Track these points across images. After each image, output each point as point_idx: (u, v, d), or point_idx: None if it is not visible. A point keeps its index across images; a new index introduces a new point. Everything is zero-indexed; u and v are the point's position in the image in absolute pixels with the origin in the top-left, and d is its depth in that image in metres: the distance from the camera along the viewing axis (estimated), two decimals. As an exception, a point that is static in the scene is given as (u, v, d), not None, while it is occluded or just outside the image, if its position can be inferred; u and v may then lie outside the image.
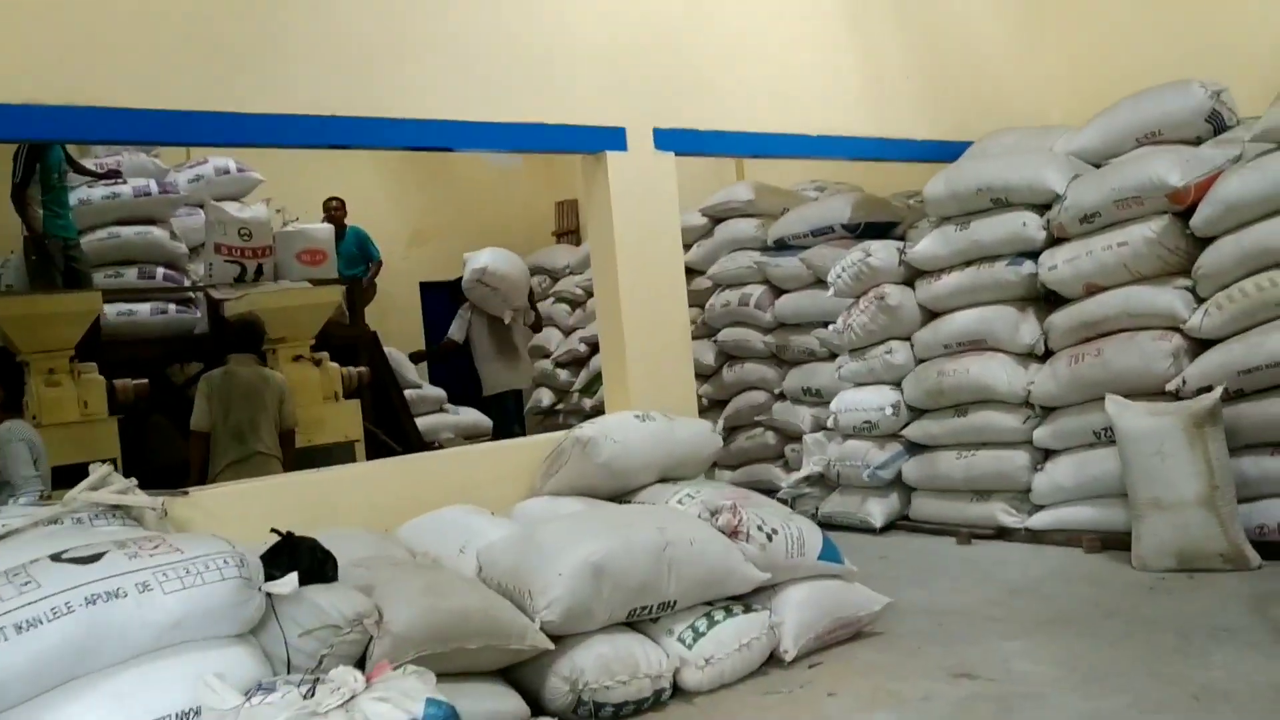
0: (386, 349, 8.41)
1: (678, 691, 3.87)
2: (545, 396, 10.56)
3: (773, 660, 4.10)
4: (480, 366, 8.79)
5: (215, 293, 7.21)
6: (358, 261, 9.01)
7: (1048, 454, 5.86)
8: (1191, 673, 3.63)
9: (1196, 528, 4.83)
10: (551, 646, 3.59)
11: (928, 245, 6.36)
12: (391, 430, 8.01)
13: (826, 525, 6.73)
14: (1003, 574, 5.26)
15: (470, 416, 8.68)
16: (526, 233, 11.67)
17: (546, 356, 10.48)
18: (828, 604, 4.27)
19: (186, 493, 4.21)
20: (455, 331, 8.65)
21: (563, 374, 10.16)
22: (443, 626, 3.37)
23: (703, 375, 8.60)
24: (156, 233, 7.73)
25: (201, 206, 7.90)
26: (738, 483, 8.25)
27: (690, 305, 8.76)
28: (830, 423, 6.80)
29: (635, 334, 5.46)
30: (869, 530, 6.47)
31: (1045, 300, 5.98)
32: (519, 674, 3.72)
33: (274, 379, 5.99)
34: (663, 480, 5.00)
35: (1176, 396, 5.19)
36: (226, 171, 8.43)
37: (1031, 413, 5.88)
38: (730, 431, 8.42)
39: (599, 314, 5.64)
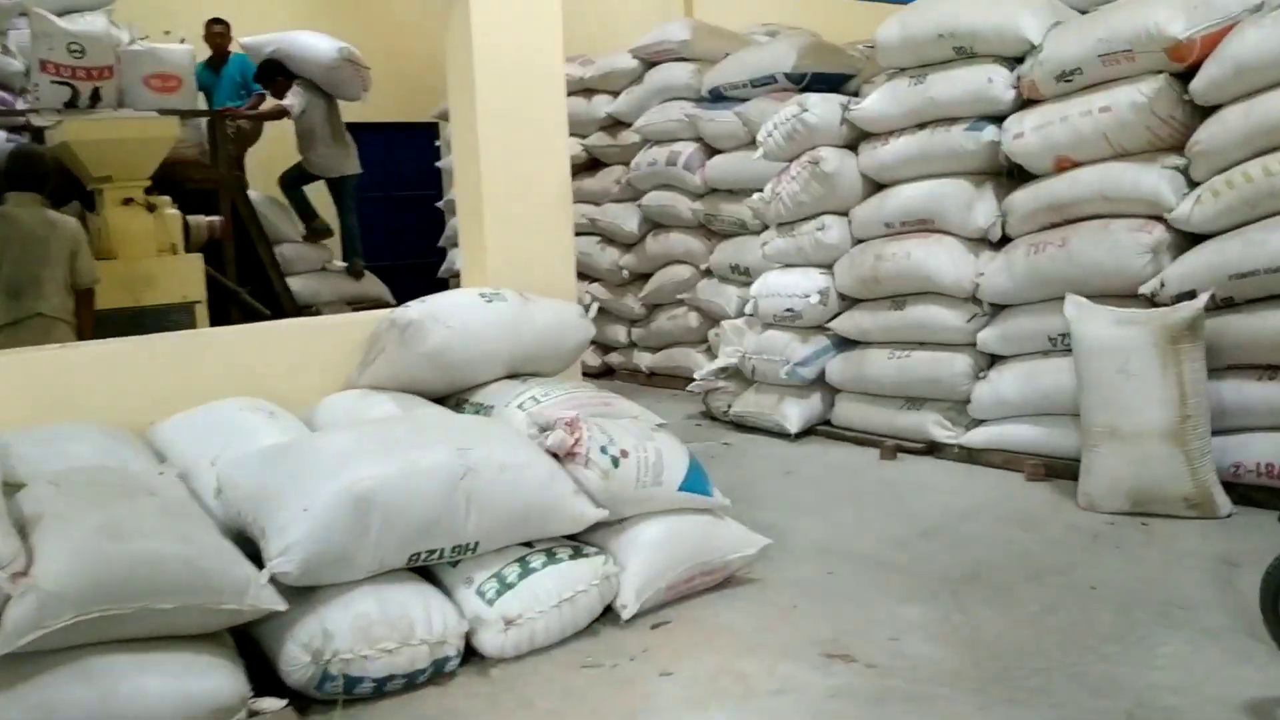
0: (264, 198, 7.35)
1: (474, 659, 3.00)
2: (457, 259, 9.52)
3: (609, 616, 3.24)
4: (315, 149, 7.72)
5: (36, 119, 6.10)
6: (241, 94, 7.86)
7: (993, 360, 4.93)
8: (1128, 674, 2.77)
9: (1158, 464, 3.95)
10: (281, 608, 2.70)
11: (875, 102, 5.29)
12: (258, 291, 7.02)
13: (738, 426, 5.91)
14: (922, 503, 4.39)
15: (360, 282, 7.68)
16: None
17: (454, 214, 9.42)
18: (687, 546, 3.39)
19: None
20: (292, 103, 7.47)
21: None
22: (117, 580, 2.46)
23: (625, 245, 7.60)
24: (-18, 44, 6.58)
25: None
26: (657, 367, 7.38)
27: (616, 163, 7.81)
28: (749, 308, 5.84)
29: (497, 190, 4.43)
30: (783, 435, 5.58)
31: (1007, 175, 4.96)
32: (259, 633, 2.84)
33: (64, 225, 4.91)
34: (512, 376, 4.05)
35: (1151, 302, 4.24)
36: (80, -21, 7.19)
37: (979, 310, 4.93)
38: (652, 310, 7.48)
39: (455, 163, 4.60)
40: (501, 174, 4.42)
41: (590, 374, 7.93)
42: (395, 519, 2.85)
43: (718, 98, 6.80)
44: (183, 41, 6.86)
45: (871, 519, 4.22)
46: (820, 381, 5.58)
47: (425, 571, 3.07)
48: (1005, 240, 4.90)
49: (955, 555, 3.73)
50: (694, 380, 6.16)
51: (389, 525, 2.85)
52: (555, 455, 3.27)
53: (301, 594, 2.80)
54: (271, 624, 2.78)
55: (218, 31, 7.87)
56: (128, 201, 5.74)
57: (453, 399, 4.02)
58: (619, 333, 7.73)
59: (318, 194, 8.25)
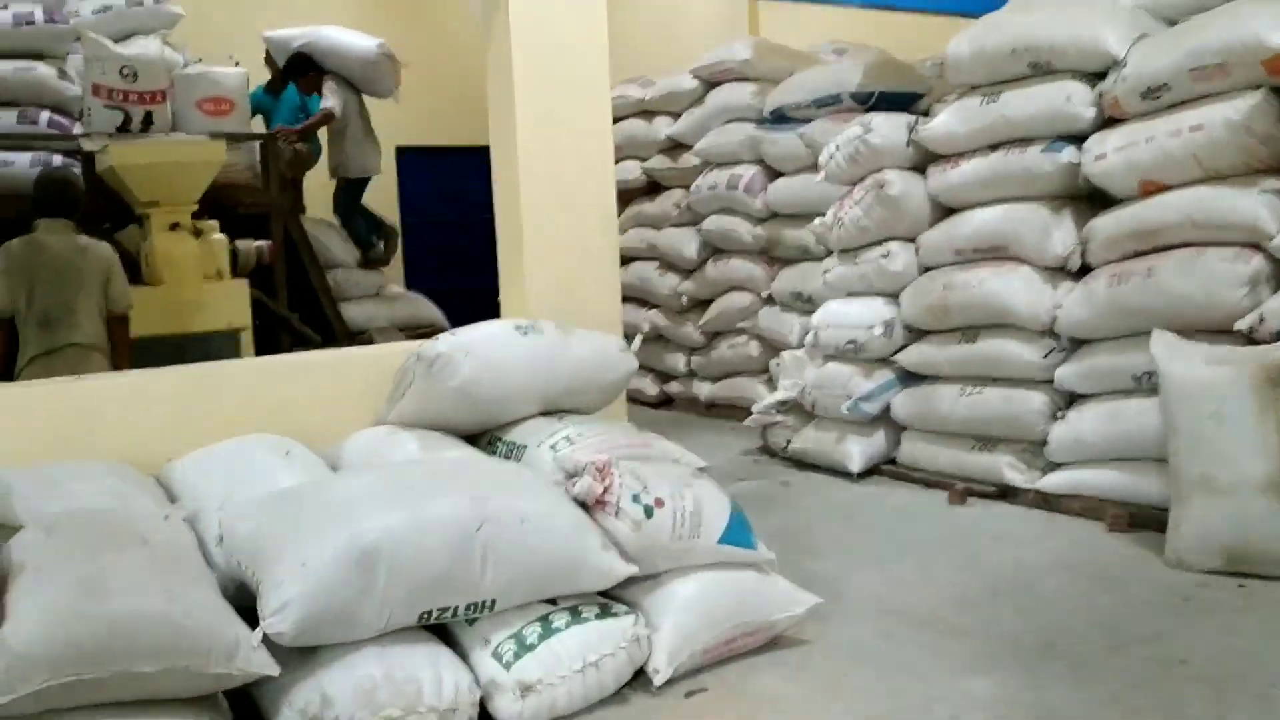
0: (318, 221, 7.24)
1: (488, 727, 2.75)
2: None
3: (640, 682, 2.96)
4: (349, 148, 7.45)
5: (86, 143, 6.06)
6: (299, 118, 7.78)
7: (1072, 399, 4.56)
8: (1225, 772, 2.43)
9: (1257, 519, 3.55)
10: (273, 672, 2.48)
11: (945, 121, 4.96)
12: (310, 317, 6.90)
13: (797, 463, 5.60)
14: (993, 555, 4.04)
15: (413, 305, 7.51)
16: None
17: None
18: (727, 604, 3.10)
19: None
20: (335, 104, 7.26)
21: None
22: (93, 642, 2.27)
23: (685, 270, 7.35)
24: (41, 70, 6.52)
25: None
26: (716, 397, 7.10)
27: (676, 186, 7.57)
28: (810, 339, 5.53)
29: (537, 215, 4.21)
30: (845, 475, 5.25)
31: (1087, 200, 4.60)
32: (257, 695, 2.63)
33: (96, 251, 4.74)
34: (548, 413, 3.81)
35: (1248, 339, 3.85)
36: (140, 2, 7.17)
37: (1056, 344, 4.57)
38: (711, 338, 7.20)
39: (495, 187, 4.38)
40: (542, 197, 4.20)
41: (648, 403, 7.70)
42: (403, 574, 2.62)
43: (780, 119, 6.52)
44: (237, 64, 6.80)
45: (936, 572, 3.88)
46: (885, 418, 5.25)
47: (440, 629, 2.83)
48: (1085, 270, 4.53)
49: (1028, 619, 3.38)
50: (750, 414, 5.86)
51: (396, 581, 2.62)
52: (583, 504, 3.02)
53: (300, 653, 2.58)
54: (268, 686, 2.56)
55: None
56: (174, 226, 5.64)
57: (485, 437, 3.79)
58: (678, 361, 7.47)
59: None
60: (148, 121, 6.20)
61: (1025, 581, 3.73)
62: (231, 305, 5.75)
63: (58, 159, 6.41)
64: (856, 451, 5.22)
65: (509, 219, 4.28)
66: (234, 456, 3.33)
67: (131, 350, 4.80)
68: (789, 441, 5.64)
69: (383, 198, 10.22)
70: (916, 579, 3.82)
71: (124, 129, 6.15)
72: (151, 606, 2.36)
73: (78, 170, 6.20)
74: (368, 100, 7.87)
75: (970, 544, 4.19)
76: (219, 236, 5.87)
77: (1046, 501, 4.56)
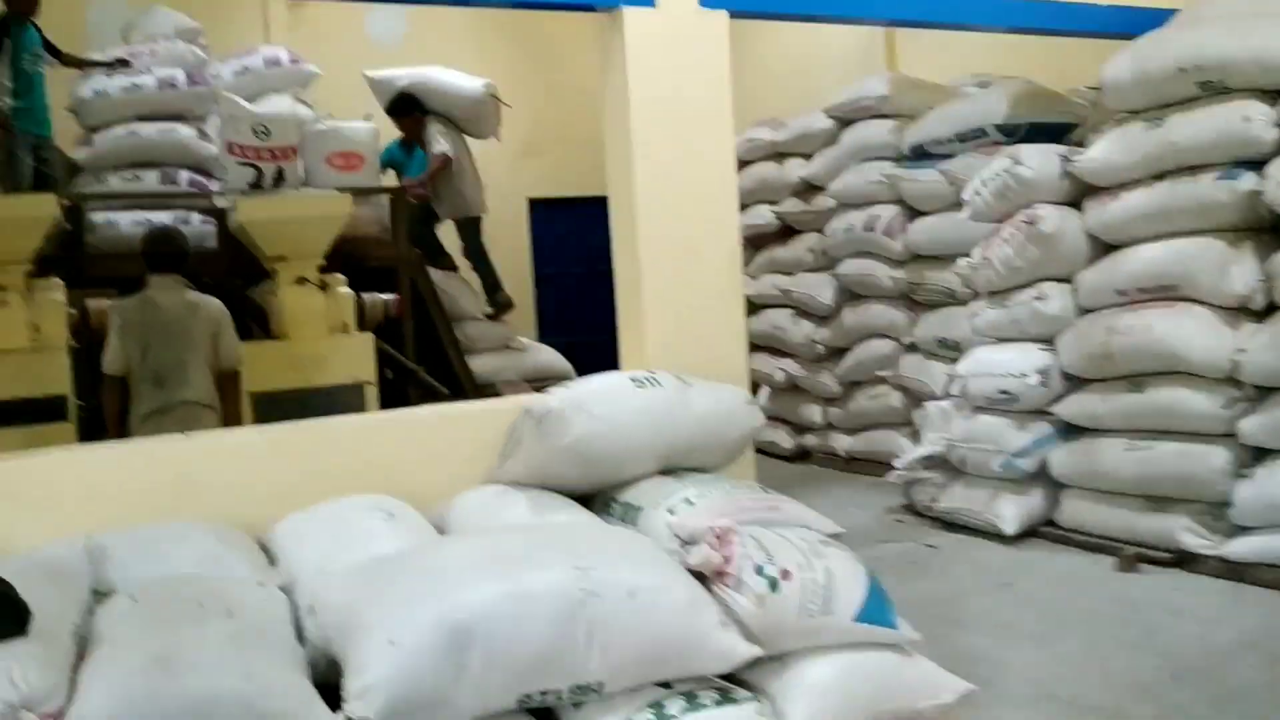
0: (447, 274, 7.17)
1: (595, 825, 2.47)
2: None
3: (765, 775, 2.64)
4: (465, 189, 7.17)
5: (219, 200, 6.15)
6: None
7: (1259, 454, 4.05)
8: None
9: None
10: (351, 763, 2.26)
11: (1103, 150, 4.55)
12: (437, 370, 6.81)
13: (945, 524, 5.17)
14: (1172, 632, 3.56)
15: (541, 356, 7.37)
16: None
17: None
18: (864, 691, 2.75)
19: (-37, 466, 3.09)
20: (448, 147, 7.09)
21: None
22: (163, 724, 2.09)
23: (821, 317, 7.01)
24: (182, 131, 6.69)
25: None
26: (856, 451, 6.71)
27: (810, 230, 7.26)
28: (957, 389, 5.13)
29: (657, 262, 3.97)
30: (998, 537, 4.81)
31: (1272, 231, 4.12)
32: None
33: (206, 307, 4.67)
34: (667, 472, 3.54)
35: None
36: (277, 63, 7.33)
37: (1239, 393, 4.07)
38: (850, 388, 6.83)
39: (613, 234, 4.17)
40: (661, 244, 3.97)
41: (782, 457, 7.35)
42: (500, 654, 2.38)
43: (920, 155, 6.17)
44: (368, 120, 6.84)
45: (1106, 652, 3.43)
46: (1042, 475, 4.80)
47: (543, 713, 2.58)
48: (1272, 309, 4.04)
49: (1218, 711, 2.92)
50: (894, 469, 5.47)
51: (492, 662, 2.37)
52: (700, 575, 2.73)
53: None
54: (353, 774, 2.35)
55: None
56: (301, 281, 5.64)
57: (600, 498, 3.54)
58: (814, 413, 7.11)
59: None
60: (279, 177, 6.25)
61: (1213, 665, 3.26)
62: (356, 359, 5.69)
63: (196, 217, 6.55)
64: (1011, 512, 4.77)
65: (627, 268, 4.06)
66: (336, 519, 3.17)
67: (240, 406, 4.73)
68: (935, 500, 5.23)
69: (514, 249, 10.26)
70: (1083, 659, 3.39)
71: (256, 185, 6.21)
72: (227, 686, 2.17)
73: (214, 228, 6.32)
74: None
75: (1144, 618, 3.72)
76: (345, 290, 5.84)
77: (1232, 570, 4.04)
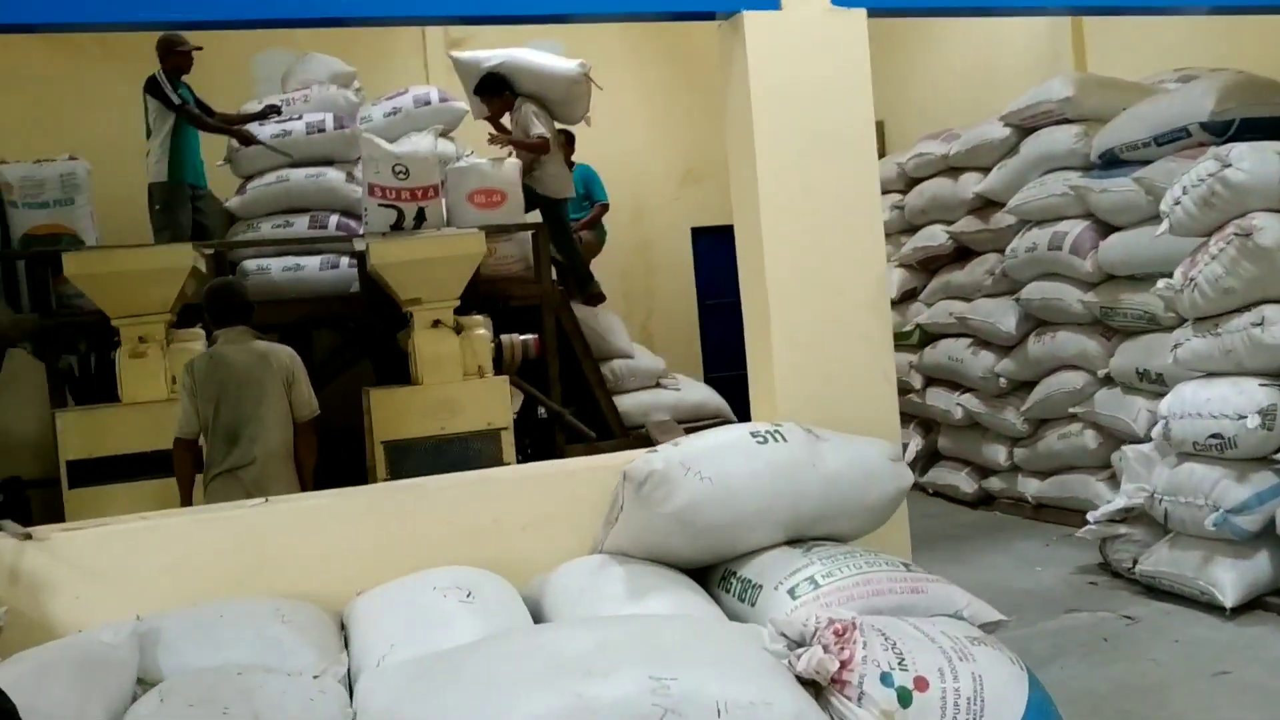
0: (598, 312, 6.85)
1: None
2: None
3: None
4: (551, 169, 6.64)
5: (358, 244, 6.03)
6: (582, 206, 7.52)
7: None
8: None
9: None
10: None
11: (1335, 145, 3.78)
12: (583, 411, 6.50)
13: (1147, 589, 4.43)
14: None
15: (696, 394, 6.93)
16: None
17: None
18: (1025, 834, 2.19)
19: (29, 534, 2.91)
20: (544, 129, 6.60)
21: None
22: None
23: (1003, 347, 6.31)
24: (330, 175, 6.65)
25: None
26: (1045, 497, 5.98)
27: (989, 250, 6.57)
28: (1159, 431, 4.40)
29: (788, 301, 3.48)
30: (1214, 609, 4.05)
31: None
32: None
33: (277, 355, 4.38)
34: (796, 542, 3.04)
35: None
36: (427, 103, 7.22)
37: None
38: (1038, 426, 6.10)
39: (740, 263, 3.71)
40: (792, 276, 3.48)
41: (963, 502, 6.67)
42: (554, 785, 1.97)
43: (1111, 163, 5.43)
44: (511, 155, 6.63)
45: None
46: (1268, 535, 4.01)
47: None
48: None
49: None
50: (1087, 523, 4.75)
51: (545, 796, 1.96)
52: (814, 684, 2.24)
53: None
54: None
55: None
56: (435, 324, 5.43)
57: (719, 570, 3.08)
58: (998, 454, 6.39)
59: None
60: (420, 218, 6.10)
61: None
62: (491, 404, 5.42)
63: (345, 261, 6.49)
64: (1228, 579, 4.01)
65: (754, 304, 3.59)
66: (410, 597, 2.83)
67: (314, 459, 4.47)
68: (1136, 561, 4.49)
69: (678, 279, 9.91)
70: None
71: (397, 227, 6.07)
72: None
73: (355, 270, 6.23)
74: None
75: None
76: (482, 333, 5.60)
77: None
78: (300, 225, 6.67)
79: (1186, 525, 4.18)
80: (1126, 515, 4.57)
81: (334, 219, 6.68)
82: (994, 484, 6.49)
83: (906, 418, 7.35)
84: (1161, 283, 4.40)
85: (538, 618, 2.95)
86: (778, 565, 2.93)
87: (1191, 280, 4.20)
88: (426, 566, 3.07)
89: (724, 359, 9.94)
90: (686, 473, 2.94)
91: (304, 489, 4.35)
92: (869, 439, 3.23)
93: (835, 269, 3.54)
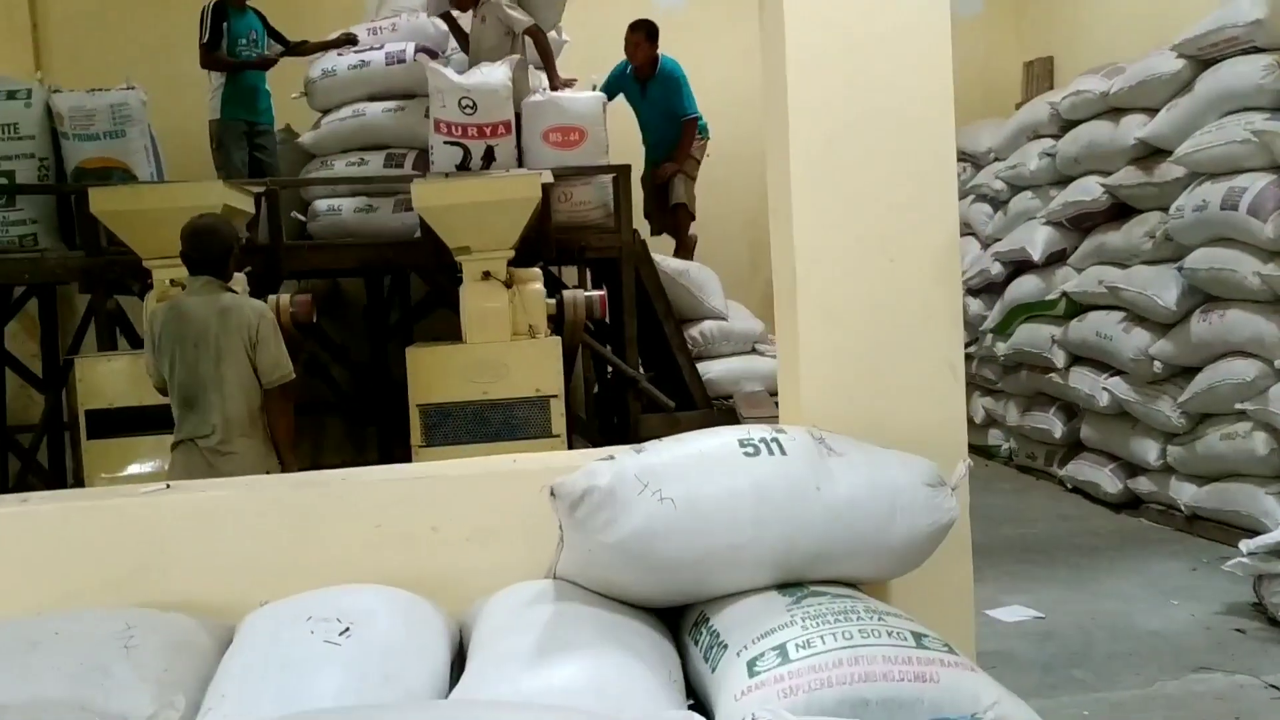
0: (689, 266, 6.15)
1: None
2: (954, 335, 7.64)
3: None
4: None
5: (415, 184, 5.50)
6: (669, 122, 6.57)
7: None
8: None
9: None
10: None
11: None
12: (663, 378, 5.85)
13: (1310, 648, 3.48)
14: None
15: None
16: (983, 101, 8.56)
17: (958, 278, 7.55)
18: None
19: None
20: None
21: (973, 304, 7.18)
22: None
23: (1161, 325, 5.29)
24: (409, 109, 6.16)
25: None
26: (1201, 507, 5.00)
27: (1153, 208, 5.51)
28: (1336, 450, 3.42)
29: (820, 270, 2.72)
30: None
31: None
32: None
33: (239, 312, 3.82)
34: (789, 586, 2.33)
35: None
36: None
37: None
38: (1198, 422, 5.08)
39: (771, 225, 2.96)
40: (829, 238, 2.72)
41: (1106, 504, 5.70)
42: None
43: (1309, 102, 4.36)
44: (594, 88, 5.96)
45: None
46: None
47: None
48: None
49: None
50: (1241, 553, 3.81)
51: None
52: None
53: None
54: None
55: (635, 41, 6.50)
56: (485, 276, 4.86)
57: (695, 611, 2.40)
58: (1148, 450, 5.38)
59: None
60: (489, 158, 5.55)
61: None
62: (541, 368, 4.83)
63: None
64: None
65: (782, 269, 2.85)
66: (275, 628, 2.26)
67: (290, 435, 3.96)
68: (1296, 609, 3.55)
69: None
70: None
71: (464, 166, 5.54)
72: None
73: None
74: None
75: None
76: (536, 287, 4.99)
77: None
78: (376, 163, 6.21)
79: (1365, 575, 3.22)
80: (1289, 550, 3.62)
81: (412, 157, 6.19)
82: (1142, 485, 5.50)
83: (1047, 400, 6.40)
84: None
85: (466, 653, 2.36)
86: (754, 618, 2.22)
87: (1395, 255, 3.19)
88: (347, 579, 2.50)
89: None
90: (642, 490, 2.25)
91: (283, 466, 3.89)
92: (905, 456, 2.45)
93: (889, 225, 2.73)
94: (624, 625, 2.29)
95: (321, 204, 6.10)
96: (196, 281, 3.91)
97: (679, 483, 2.27)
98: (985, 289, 7.06)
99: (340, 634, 2.20)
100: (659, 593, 2.35)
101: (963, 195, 7.61)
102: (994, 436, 7.09)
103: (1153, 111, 5.41)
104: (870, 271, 2.74)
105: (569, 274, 6.88)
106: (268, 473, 3.79)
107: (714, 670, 2.18)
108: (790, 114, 2.69)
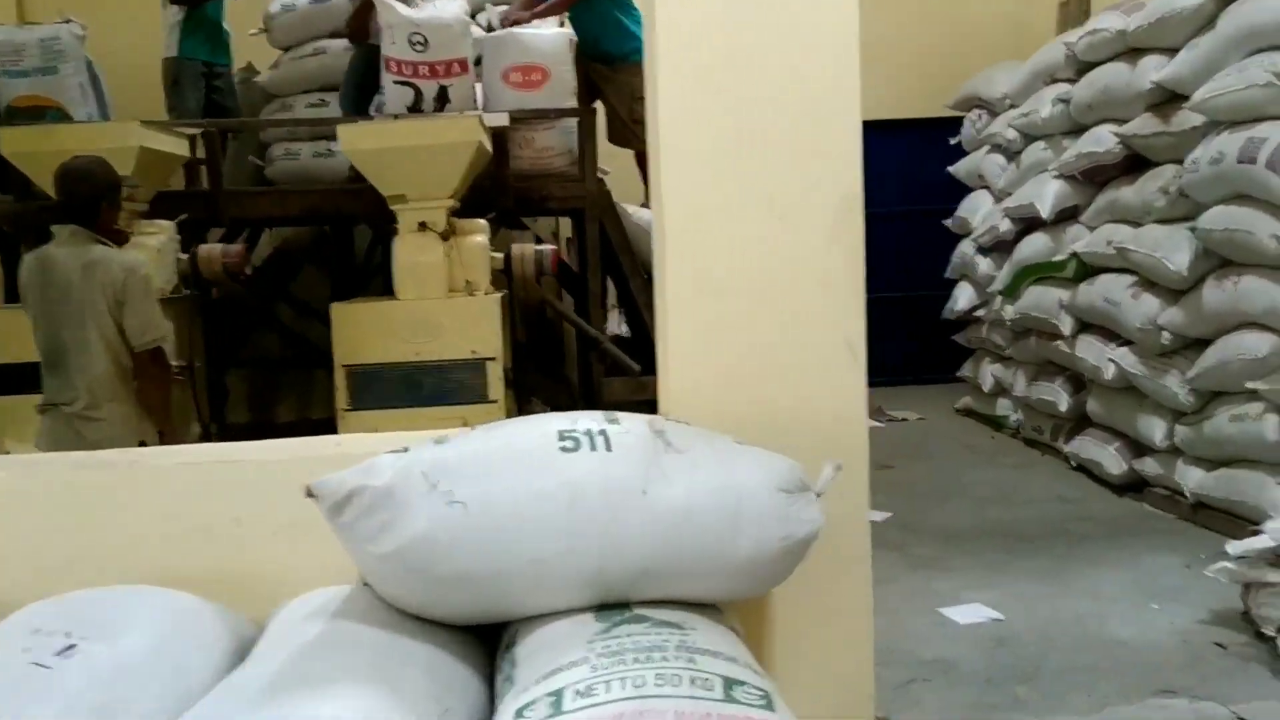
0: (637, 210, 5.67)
1: None
2: (963, 294, 7.14)
3: None
4: None
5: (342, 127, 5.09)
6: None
7: None
8: None
9: None
10: None
11: None
12: (629, 339, 5.46)
13: (1293, 673, 3.03)
14: None
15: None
16: (1015, 40, 7.96)
17: (968, 234, 7.03)
18: None
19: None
20: None
21: (983, 263, 6.67)
22: None
23: (1174, 291, 4.77)
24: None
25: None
26: (1207, 494, 4.53)
27: (1169, 160, 4.96)
28: (1331, 446, 2.94)
29: (695, 223, 2.30)
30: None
31: None
32: None
33: (105, 266, 3.47)
34: (609, 608, 1.95)
35: None
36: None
37: None
38: (1209, 400, 4.58)
39: (650, 177, 2.54)
40: (705, 183, 2.31)
41: (1110, 484, 5.23)
42: None
43: (1342, 39, 3.80)
44: (563, 25, 5.49)
45: None
46: None
47: None
48: None
49: None
50: (1227, 557, 3.34)
51: None
52: None
53: None
54: None
55: None
56: (422, 227, 4.48)
57: (508, 632, 2.04)
58: (1154, 429, 4.89)
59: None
60: (443, 99, 5.13)
61: None
62: (477, 328, 4.45)
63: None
64: None
65: (657, 230, 2.44)
66: (18, 635, 1.95)
67: (165, 402, 3.63)
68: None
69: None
70: None
71: (416, 109, 5.14)
72: None
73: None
74: None
75: None
76: (478, 240, 4.60)
77: None
78: (335, 106, 5.85)
79: (1356, 595, 2.75)
80: (1273, 555, 3.15)
81: (376, 99, 5.81)
82: (1148, 467, 5.00)
83: (1055, 369, 5.91)
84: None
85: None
86: (552, 648, 1.84)
87: None
88: (133, 578, 2.17)
89: (876, 280, 8.46)
90: (429, 491, 1.87)
91: (162, 437, 3.58)
92: (763, 456, 2.04)
93: (778, 176, 2.31)
94: (407, 652, 1.91)
95: (279, 148, 5.76)
96: (64, 230, 3.58)
97: (476, 482, 1.89)
98: (995, 247, 6.54)
99: (58, 653, 1.85)
100: (453, 612, 1.97)
101: (978, 145, 7.07)
102: (1002, 406, 6.61)
103: (1173, 52, 4.84)
104: (754, 231, 2.30)
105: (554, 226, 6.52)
106: (143, 443, 3.49)
107: (495, 713, 1.82)
108: (658, 33, 2.26)
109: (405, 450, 1.97)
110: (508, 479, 1.90)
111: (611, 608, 1.95)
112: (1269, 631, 3.17)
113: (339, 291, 5.99)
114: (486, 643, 2.05)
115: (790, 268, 2.34)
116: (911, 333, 8.31)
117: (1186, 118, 4.67)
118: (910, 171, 8.27)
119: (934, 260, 7.70)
